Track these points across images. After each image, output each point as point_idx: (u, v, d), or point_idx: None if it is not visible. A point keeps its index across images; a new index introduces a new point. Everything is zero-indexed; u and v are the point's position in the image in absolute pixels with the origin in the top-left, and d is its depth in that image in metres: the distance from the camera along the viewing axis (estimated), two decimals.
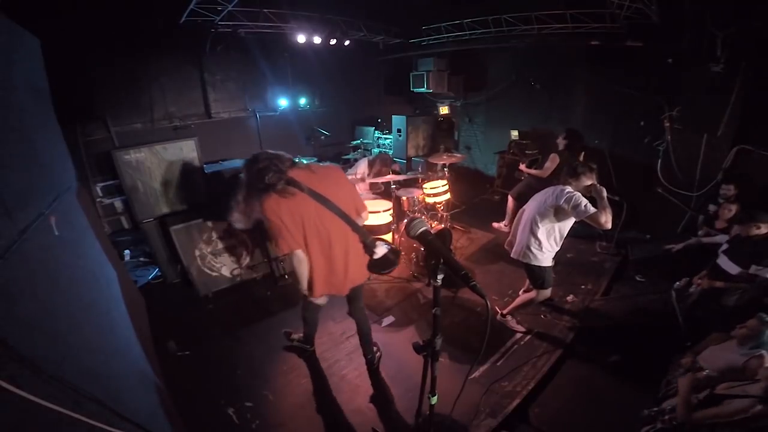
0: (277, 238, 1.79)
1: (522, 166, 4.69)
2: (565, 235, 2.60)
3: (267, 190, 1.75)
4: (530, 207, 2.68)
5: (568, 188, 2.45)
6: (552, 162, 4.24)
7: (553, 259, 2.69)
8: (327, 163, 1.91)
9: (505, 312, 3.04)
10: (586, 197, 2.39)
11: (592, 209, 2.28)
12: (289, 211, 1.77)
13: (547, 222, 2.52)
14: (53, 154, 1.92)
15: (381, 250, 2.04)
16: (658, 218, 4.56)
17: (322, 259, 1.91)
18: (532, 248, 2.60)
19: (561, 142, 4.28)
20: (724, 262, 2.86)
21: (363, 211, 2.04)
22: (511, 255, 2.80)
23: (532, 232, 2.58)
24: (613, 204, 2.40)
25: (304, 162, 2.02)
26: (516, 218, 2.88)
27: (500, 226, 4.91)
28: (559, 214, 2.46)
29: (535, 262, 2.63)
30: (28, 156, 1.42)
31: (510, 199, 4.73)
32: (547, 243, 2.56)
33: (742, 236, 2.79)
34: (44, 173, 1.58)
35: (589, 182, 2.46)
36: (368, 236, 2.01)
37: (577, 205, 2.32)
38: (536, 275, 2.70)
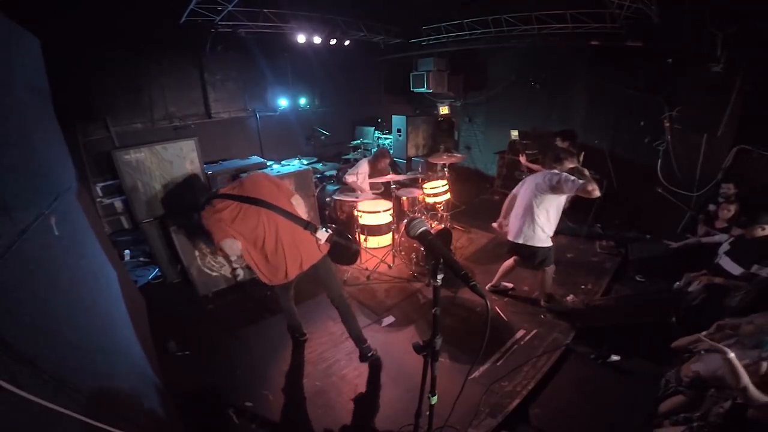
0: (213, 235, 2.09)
1: (522, 159, 4.68)
2: (561, 213, 2.90)
3: (203, 208, 2.13)
4: (524, 194, 2.93)
5: (555, 171, 2.77)
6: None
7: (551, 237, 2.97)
8: (251, 173, 2.32)
9: (543, 304, 3.23)
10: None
11: (580, 182, 2.62)
12: (229, 215, 2.06)
13: (544, 204, 2.81)
14: (53, 154, 1.92)
15: (322, 234, 2.23)
16: (658, 218, 4.56)
17: (255, 251, 2.16)
18: (535, 230, 2.86)
19: (562, 144, 4.28)
20: (726, 263, 2.86)
21: (292, 196, 2.27)
22: (510, 238, 3.03)
23: (533, 216, 2.84)
24: (594, 179, 2.69)
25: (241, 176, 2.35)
26: (506, 205, 3.19)
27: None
28: (553, 194, 2.76)
29: (538, 243, 2.89)
30: (28, 156, 1.42)
31: None
32: (547, 223, 2.85)
33: (747, 238, 2.78)
34: (44, 173, 1.57)
35: (571, 165, 2.78)
36: (305, 222, 2.20)
37: (567, 181, 2.65)
38: (539, 255, 2.94)
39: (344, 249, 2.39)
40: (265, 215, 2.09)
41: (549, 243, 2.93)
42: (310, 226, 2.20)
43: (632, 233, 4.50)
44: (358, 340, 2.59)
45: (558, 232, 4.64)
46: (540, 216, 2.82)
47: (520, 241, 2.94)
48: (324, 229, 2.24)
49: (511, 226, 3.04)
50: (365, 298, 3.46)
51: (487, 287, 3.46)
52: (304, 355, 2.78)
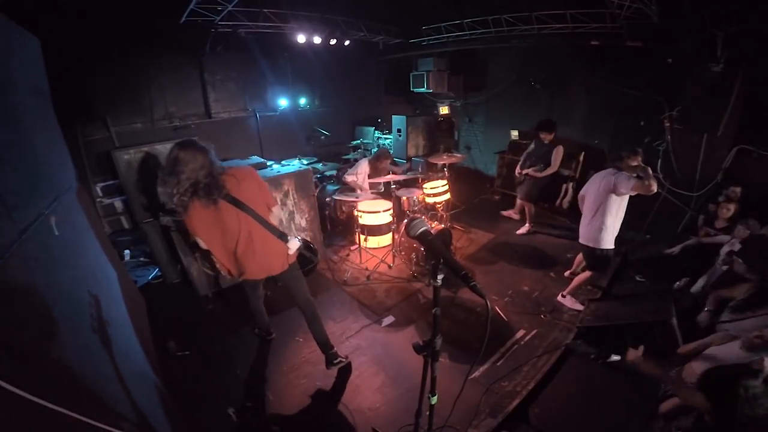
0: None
1: (531, 171, 4.56)
2: (623, 212, 2.88)
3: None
4: (590, 196, 2.97)
5: (613, 170, 2.79)
6: (558, 154, 4.34)
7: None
8: (241, 165, 2.15)
9: (565, 293, 3.29)
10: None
11: (635, 180, 2.64)
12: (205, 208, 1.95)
13: (611, 206, 2.82)
14: (53, 154, 1.92)
15: (294, 244, 2.23)
16: (658, 218, 4.57)
17: (223, 248, 2.11)
18: (601, 233, 2.88)
19: (547, 137, 4.41)
20: (740, 268, 2.86)
21: (273, 206, 2.21)
22: (579, 240, 3.08)
23: (601, 219, 2.87)
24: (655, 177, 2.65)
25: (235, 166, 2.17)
26: (580, 206, 3.16)
27: (510, 213, 5.23)
28: (616, 195, 2.77)
29: (602, 246, 2.92)
30: (28, 156, 1.42)
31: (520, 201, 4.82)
32: (612, 225, 2.87)
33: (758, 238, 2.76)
34: (44, 173, 1.58)
35: (635, 163, 2.76)
36: (279, 231, 2.17)
37: (623, 180, 2.68)
38: (599, 259, 2.98)
39: (307, 261, 2.35)
40: (242, 216, 2.01)
41: (608, 246, 2.93)
42: (282, 236, 2.18)
43: (632, 233, 4.50)
44: (324, 345, 2.52)
45: (558, 234, 4.73)
46: (599, 215, 2.86)
47: (584, 242, 3.02)
48: (296, 239, 2.25)
49: (581, 228, 3.07)
50: (365, 298, 3.46)
51: (558, 298, 3.36)
52: (304, 355, 2.78)
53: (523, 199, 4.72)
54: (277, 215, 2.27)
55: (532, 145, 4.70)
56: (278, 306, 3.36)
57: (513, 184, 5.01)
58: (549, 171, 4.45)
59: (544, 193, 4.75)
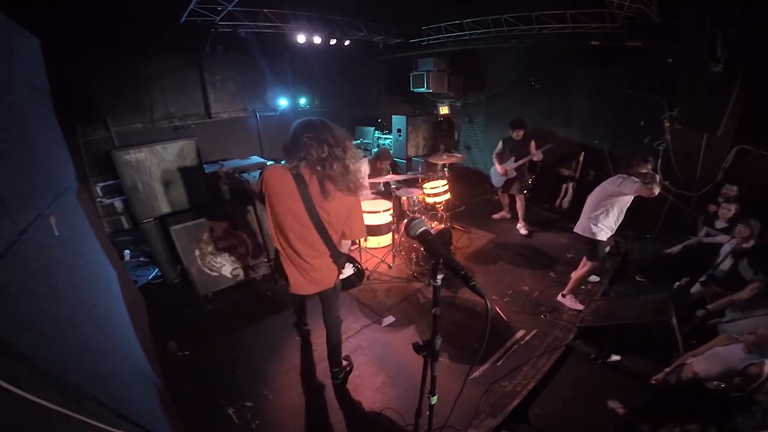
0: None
1: (534, 156, 4.56)
2: (624, 212, 3.04)
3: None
4: (595, 193, 3.14)
5: (624, 175, 2.95)
6: (533, 145, 4.58)
7: (609, 237, 3.13)
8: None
9: (565, 293, 3.36)
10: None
11: (638, 184, 2.78)
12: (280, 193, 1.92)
13: (607, 202, 3.00)
14: (53, 154, 1.92)
15: (348, 271, 2.20)
16: (658, 218, 4.57)
17: (290, 252, 2.01)
18: (591, 225, 3.08)
19: (520, 133, 4.60)
20: (745, 272, 2.87)
21: (348, 239, 2.10)
22: (574, 230, 3.27)
23: (593, 212, 3.07)
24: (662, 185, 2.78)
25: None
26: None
27: (502, 215, 5.27)
28: (617, 195, 2.95)
29: (588, 235, 3.11)
30: (28, 156, 1.42)
31: (515, 197, 4.84)
32: (604, 221, 3.04)
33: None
34: (44, 173, 1.57)
35: (644, 170, 2.90)
36: (341, 258, 2.09)
37: (628, 183, 2.84)
38: (592, 248, 3.13)
39: (349, 284, 2.33)
40: (313, 232, 1.93)
41: (601, 237, 3.06)
42: (341, 261, 2.11)
43: (632, 233, 4.50)
44: (333, 362, 2.45)
45: (558, 234, 4.73)
46: (598, 211, 3.04)
47: (578, 231, 3.21)
48: (351, 266, 2.21)
49: (579, 221, 3.25)
50: (365, 298, 3.46)
51: (558, 297, 3.41)
52: (304, 355, 2.78)
53: (517, 193, 4.79)
54: (346, 245, 2.16)
55: (500, 145, 4.83)
56: (277, 306, 3.37)
57: (512, 184, 4.95)
58: (526, 159, 4.62)
59: (544, 193, 4.75)
